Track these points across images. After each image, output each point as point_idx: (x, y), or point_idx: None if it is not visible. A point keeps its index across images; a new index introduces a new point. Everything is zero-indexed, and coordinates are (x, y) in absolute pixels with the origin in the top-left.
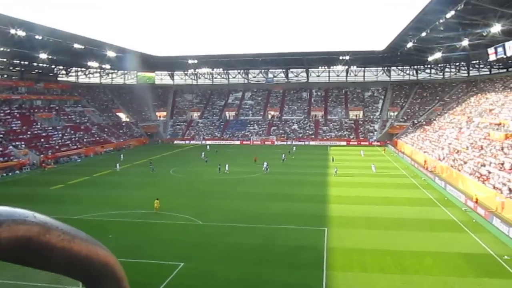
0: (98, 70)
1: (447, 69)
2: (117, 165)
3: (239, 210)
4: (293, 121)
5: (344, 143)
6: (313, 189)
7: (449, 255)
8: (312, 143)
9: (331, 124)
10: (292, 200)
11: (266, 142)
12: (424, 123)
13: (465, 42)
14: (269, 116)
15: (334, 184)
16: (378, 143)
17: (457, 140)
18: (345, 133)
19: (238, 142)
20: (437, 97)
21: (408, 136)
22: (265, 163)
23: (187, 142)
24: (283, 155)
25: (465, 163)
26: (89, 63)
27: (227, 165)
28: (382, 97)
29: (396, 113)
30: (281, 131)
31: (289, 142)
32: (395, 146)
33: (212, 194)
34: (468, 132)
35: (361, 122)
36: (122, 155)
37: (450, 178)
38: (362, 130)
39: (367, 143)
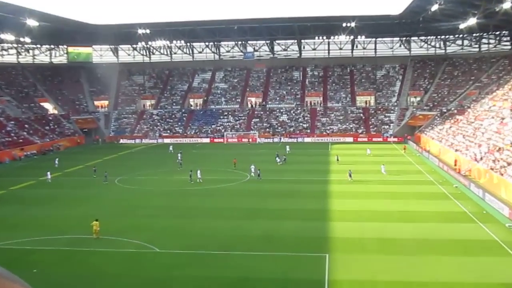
0: (15, 45)
1: (484, 40)
2: (48, 173)
3: (209, 233)
4: (281, 110)
5: (351, 139)
6: (309, 202)
7: (490, 286)
8: (307, 139)
9: (332, 115)
10: (281, 217)
11: (244, 140)
12: (455, 111)
13: (507, 4)
14: (249, 105)
15: (337, 195)
16: (396, 139)
17: (498, 134)
18: (351, 126)
19: (207, 140)
20: (472, 77)
21: (435, 129)
22: (253, 167)
23: (137, 141)
24: (278, 157)
25: (509, 164)
26: (2, 36)
27: (198, 172)
28: (400, 77)
29: (418, 99)
30: (265, 124)
31: (276, 139)
32: (418, 143)
33: (173, 211)
34: None
35: (373, 111)
36: (57, 159)
37: (489, 185)
38: (374, 122)
39: (380, 139)
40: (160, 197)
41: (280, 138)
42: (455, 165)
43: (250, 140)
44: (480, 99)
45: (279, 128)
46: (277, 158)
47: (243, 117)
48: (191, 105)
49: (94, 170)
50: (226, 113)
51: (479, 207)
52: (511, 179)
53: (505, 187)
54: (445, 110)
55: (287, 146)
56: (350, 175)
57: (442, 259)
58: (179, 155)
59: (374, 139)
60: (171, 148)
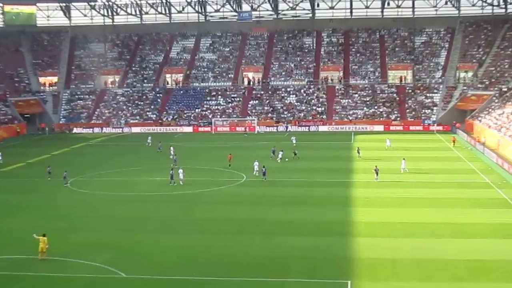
0: None
1: None
2: None
3: (192, 253)
4: (288, 89)
5: (380, 127)
6: (324, 211)
7: None
8: (322, 128)
9: (356, 95)
10: (288, 231)
11: (239, 129)
12: None
13: None
14: (245, 82)
15: (361, 202)
16: (440, 128)
17: None
18: (381, 110)
19: (189, 129)
20: None
21: (492, 114)
22: (256, 164)
23: (96, 130)
24: (274, 153)
25: None
26: None
27: (180, 171)
28: (446, 45)
29: (470, 74)
30: (266, 108)
31: (281, 128)
32: (470, 133)
33: (145, 224)
34: None
35: (410, 91)
36: (0, 154)
37: None
38: (411, 105)
39: (420, 127)
40: (129, 204)
41: (287, 127)
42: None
43: (247, 129)
44: None
45: (285, 113)
46: (278, 154)
47: (237, 99)
48: (168, 83)
49: (49, 172)
50: (214, 93)
51: None
52: None
53: None
54: (505, 89)
55: (293, 138)
56: (376, 174)
57: (504, 286)
58: (171, 149)
59: (411, 128)
60: (149, 139)
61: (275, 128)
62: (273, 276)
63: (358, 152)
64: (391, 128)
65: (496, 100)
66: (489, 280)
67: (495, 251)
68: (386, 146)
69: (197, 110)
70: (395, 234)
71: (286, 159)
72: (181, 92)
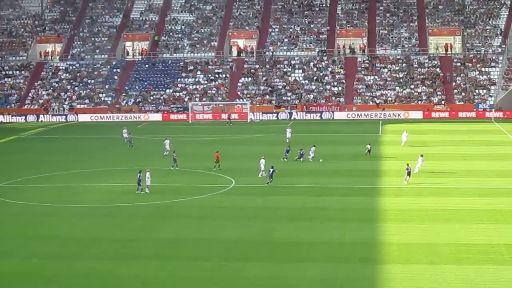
0: None
1: None
2: None
3: (159, 285)
4: (293, 62)
5: (419, 113)
6: (343, 228)
7: None
8: (340, 115)
9: (385, 70)
10: (294, 257)
11: (224, 116)
12: None
13: None
14: (234, 52)
15: (394, 216)
16: (500, 114)
17: None
18: (419, 90)
19: (157, 117)
20: None
21: None
22: (263, 162)
23: (31, 118)
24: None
25: None
26: None
27: (148, 174)
28: (508, 1)
29: None
30: (263, 88)
31: (284, 115)
32: None
33: (97, 246)
34: None
35: (459, 64)
36: None
37: None
38: (460, 84)
39: (472, 113)
40: (75, 220)
41: (291, 114)
42: None
43: (231, 116)
44: None
45: (289, 95)
46: (309, 152)
47: (223, 76)
48: (128, 54)
49: None
50: (191, 68)
51: None
52: None
53: None
54: None
55: (288, 130)
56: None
57: None
58: (166, 142)
59: (460, 115)
60: (125, 132)
61: (275, 115)
62: None
63: (369, 151)
64: (433, 114)
65: None
66: None
67: None
68: (404, 141)
69: (168, 91)
70: (439, 260)
71: (320, 160)
72: (147, 66)
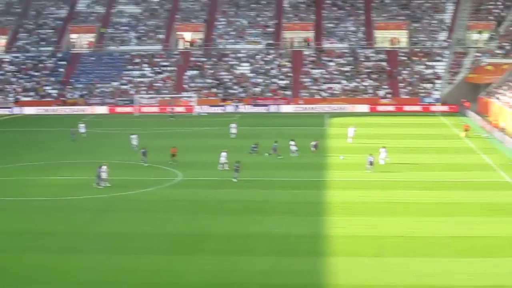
0: None
1: None
2: None
3: (105, 279)
4: (239, 55)
5: (365, 107)
6: (289, 221)
7: None
8: (286, 108)
9: (331, 64)
10: (240, 250)
11: (174, 109)
12: None
13: None
14: (181, 45)
15: (338, 210)
16: (446, 108)
17: None
18: (365, 84)
19: (103, 110)
20: None
21: None
22: (223, 155)
23: None
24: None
25: None
26: None
27: (103, 168)
28: None
29: (486, 36)
30: (210, 81)
31: (231, 108)
32: (484, 115)
33: (40, 240)
34: None
35: (405, 57)
36: None
37: None
38: (406, 78)
39: (418, 107)
40: (16, 214)
41: (237, 106)
42: None
43: (173, 109)
44: None
45: (236, 88)
46: (254, 149)
47: (170, 68)
48: (74, 46)
49: None
50: (138, 61)
51: None
52: None
53: None
54: None
55: (232, 126)
56: (371, 163)
57: None
58: (133, 137)
59: (406, 108)
60: (82, 126)
61: (222, 108)
62: None
63: (315, 147)
64: (379, 108)
65: None
66: None
67: None
68: (349, 138)
69: (114, 83)
70: (385, 252)
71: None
72: (92, 59)
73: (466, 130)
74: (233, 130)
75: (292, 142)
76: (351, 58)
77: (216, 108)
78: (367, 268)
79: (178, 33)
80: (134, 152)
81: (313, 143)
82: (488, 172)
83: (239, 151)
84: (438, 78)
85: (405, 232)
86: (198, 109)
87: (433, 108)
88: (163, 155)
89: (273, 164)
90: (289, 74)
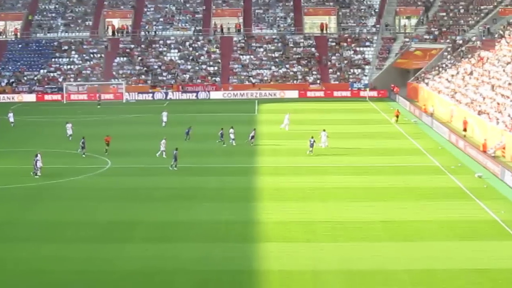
0: None
1: None
2: None
3: (35, 267)
4: (168, 42)
5: (294, 93)
6: (220, 207)
7: None
8: (215, 95)
9: (260, 50)
10: (171, 237)
11: (104, 96)
12: (477, 43)
13: None
14: (109, 32)
15: (269, 195)
16: (374, 93)
17: None
18: (295, 70)
19: (31, 98)
20: None
21: (444, 75)
22: (163, 142)
23: None
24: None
25: None
26: None
27: (38, 157)
28: None
29: (414, 21)
30: (139, 68)
31: (159, 95)
32: (413, 100)
33: None
34: None
35: (334, 44)
36: None
37: None
38: (335, 63)
39: (347, 93)
40: None
41: (167, 94)
42: (464, 130)
43: (100, 97)
44: None
45: (165, 75)
46: (187, 135)
47: (98, 55)
48: (1, 33)
49: None
50: (66, 48)
51: None
52: None
53: None
54: (460, 41)
55: (164, 113)
56: (311, 145)
57: None
58: (68, 126)
59: (336, 94)
60: (11, 115)
61: (151, 95)
62: None
63: (252, 138)
64: (309, 94)
65: (449, 56)
66: None
67: (448, 257)
68: (284, 124)
69: (42, 71)
70: (315, 237)
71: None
72: (19, 46)
73: (397, 116)
74: (164, 118)
75: (231, 130)
76: (280, 44)
77: (145, 95)
78: (298, 254)
79: (107, 19)
80: (68, 140)
81: (252, 134)
82: (417, 157)
83: (173, 139)
84: (367, 63)
85: (336, 217)
86: (127, 96)
87: (362, 93)
88: (93, 144)
89: (204, 151)
90: (218, 61)
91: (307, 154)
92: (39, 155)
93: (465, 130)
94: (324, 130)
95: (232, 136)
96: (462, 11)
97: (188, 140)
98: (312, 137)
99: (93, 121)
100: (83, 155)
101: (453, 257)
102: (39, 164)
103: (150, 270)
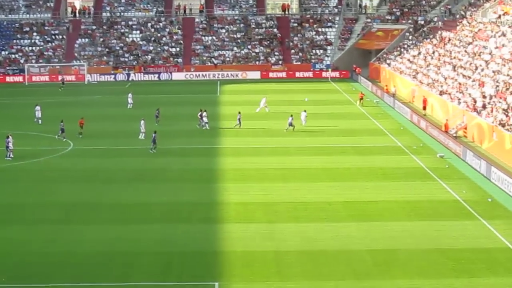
0: None
1: None
2: None
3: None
4: (130, 23)
5: (256, 74)
6: (182, 188)
7: None
8: (177, 76)
9: (222, 31)
10: (133, 218)
11: (66, 78)
12: (439, 24)
13: None
14: (70, 13)
15: (231, 176)
16: (337, 74)
17: None
18: (257, 50)
19: None
20: None
21: (405, 55)
22: (142, 123)
23: None
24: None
25: None
26: None
27: (9, 138)
28: None
29: (376, 2)
30: (101, 49)
31: (122, 76)
32: (375, 80)
33: None
34: None
35: (296, 24)
36: None
37: (499, 152)
38: (298, 44)
39: (309, 73)
40: None
41: (129, 75)
42: (424, 108)
43: (64, 79)
44: (482, 2)
45: (127, 56)
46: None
47: (60, 37)
48: None
49: None
50: (27, 30)
51: (482, 193)
52: None
53: None
54: (422, 22)
55: (129, 95)
56: (290, 124)
57: None
58: (37, 108)
59: (298, 75)
60: None
61: (113, 76)
62: (113, 280)
63: (206, 124)
64: (271, 75)
65: (410, 37)
66: (401, 276)
67: (410, 237)
68: (258, 110)
69: (3, 52)
70: (277, 218)
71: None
72: None
73: (361, 99)
74: (130, 100)
75: (204, 113)
76: (242, 25)
77: (107, 76)
78: (260, 234)
79: (68, 1)
80: (33, 123)
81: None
82: (379, 137)
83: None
84: (329, 44)
85: (298, 198)
86: (88, 78)
87: (324, 74)
88: (57, 125)
89: (167, 132)
90: (180, 42)
91: (284, 132)
92: (10, 136)
93: (424, 108)
94: (304, 111)
95: (205, 119)
96: None
97: (158, 124)
98: (291, 115)
99: (55, 103)
100: (63, 139)
101: (415, 237)
102: (11, 145)
103: (113, 252)
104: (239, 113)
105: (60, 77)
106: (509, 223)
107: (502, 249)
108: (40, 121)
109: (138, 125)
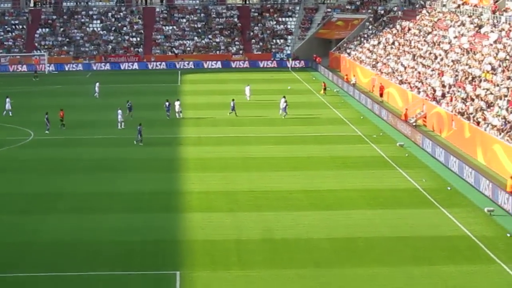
0: None
1: None
2: None
3: None
4: (90, 13)
5: (217, 64)
6: (143, 178)
7: None
8: (136, 66)
9: (183, 20)
10: (95, 208)
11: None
12: (399, 13)
13: None
14: (31, 3)
15: (193, 165)
16: (297, 63)
17: (472, 53)
18: (217, 40)
19: None
20: None
21: (365, 45)
22: (119, 113)
23: None
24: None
25: (490, 106)
26: None
27: None
28: None
29: None
30: (61, 39)
31: (81, 66)
32: (336, 70)
33: None
34: (495, 35)
35: (256, 14)
36: None
37: (458, 141)
38: (258, 33)
39: (270, 62)
40: None
41: (90, 65)
42: (381, 96)
43: (36, 70)
44: None
45: (87, 46)
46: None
47: (20, 27)
48: None
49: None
50: None
51: (441, 182)
52: (492, 132)
53: (484, 144)
54: (382, 11)
55: (96, 84)
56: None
57: None
58: (7, 100)
59: (260, 65)
60: None
61: (74, 65)
62: (74, 270)
63: (284, 111)
64: (232, 64)
65: (370, 27)
66: (361, 264)
67: (370, 225)
68: (248, 98)
69: None
70: (238, 207)
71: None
72: None
73: (324, 88)
74: (97, 89)
75: (177, 102)
76: (203, 15)
77: (68, 65)
78: (222, 223)
79: None
80: (2, 115)
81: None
82: (339, 126)
83: (108, 110)
84: (290, 34)
85: (258, 186)
86: (48, 67)
87: (287, 63)
88: (19, 115)
89: (128, 122)
90: (141, 31)
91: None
92: None
93: (381, 95)
94: (284, 97)
95: (177, 108)
96: None
97: (132, 117)
98: (284, 97)
99: (17, 92)
100: (47, 131)
101: (375, 225)
102: None
103: (74, 241)
104: (233, 100)
105: (26, 67)
106: (468, 211)
107: (462, 237)
108: (10, 113)
109: (112, 115)
